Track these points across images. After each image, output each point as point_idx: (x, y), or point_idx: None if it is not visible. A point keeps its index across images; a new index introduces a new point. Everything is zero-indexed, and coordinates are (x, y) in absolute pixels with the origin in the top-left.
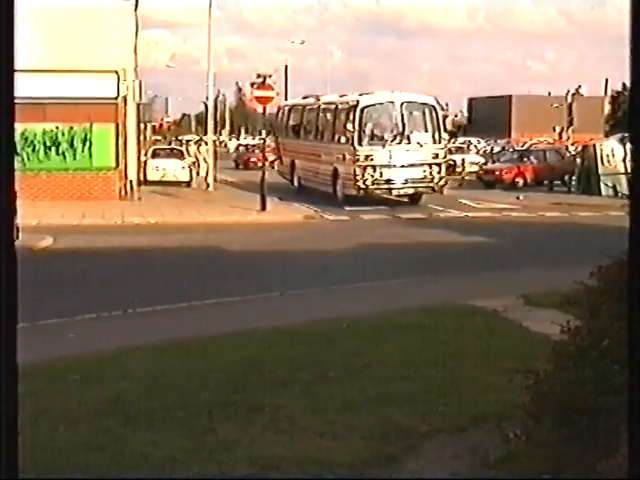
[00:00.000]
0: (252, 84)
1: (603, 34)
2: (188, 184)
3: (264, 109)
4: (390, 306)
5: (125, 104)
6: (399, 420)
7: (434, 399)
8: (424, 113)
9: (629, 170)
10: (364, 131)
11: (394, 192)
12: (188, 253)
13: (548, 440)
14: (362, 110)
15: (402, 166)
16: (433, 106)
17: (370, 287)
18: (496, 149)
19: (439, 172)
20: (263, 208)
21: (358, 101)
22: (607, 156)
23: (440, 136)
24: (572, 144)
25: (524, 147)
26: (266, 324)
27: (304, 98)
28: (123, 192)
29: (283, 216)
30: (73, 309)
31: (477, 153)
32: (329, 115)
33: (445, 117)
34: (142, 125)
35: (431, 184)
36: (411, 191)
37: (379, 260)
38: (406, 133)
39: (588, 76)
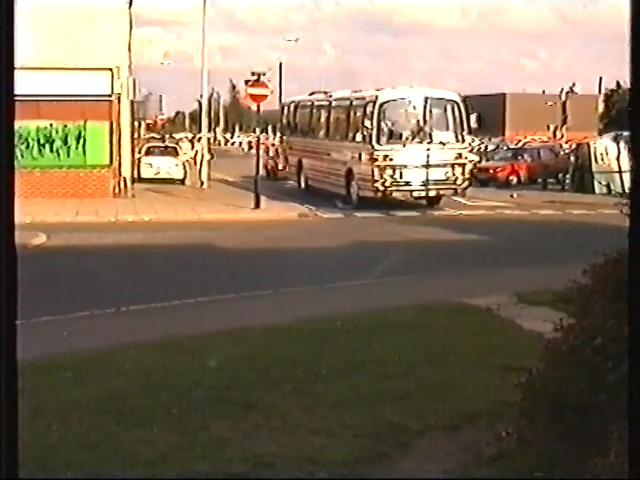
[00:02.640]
0: (246, 82)
1: (596, 32)
2: (182, 181)
3: (258, 107)
4: (384, 304)
5: (119, 101)
6: (392, 418)
7: (427, 397)
8: (447, 110)
9: (622, 168)
10: (383, 129)
11: (414, 194)
12: (182, 251)
13: (541, 438)
14: (381, 106)
15: (423, 166)
16: (457, 102)
17: (363, 285)
18: (490, 147)
19: (462, 173)
20: (257, 206)
21: (377, 96)
22: (601, 154)
23: (464, 135)
24: (566, 142)
25: (518, 145)
26: (259, 322)
27: (311, 94)
28: (117, 189)
29: (277, 214)
30: (66, 306)
31: (471, 151)
32: (342, 111)
33: (469, 114)
34: (136, 123)
35: (453, 186)
36: (432, 193)
37: (372, 258)
38: (428, 131)
39: (582, 74)
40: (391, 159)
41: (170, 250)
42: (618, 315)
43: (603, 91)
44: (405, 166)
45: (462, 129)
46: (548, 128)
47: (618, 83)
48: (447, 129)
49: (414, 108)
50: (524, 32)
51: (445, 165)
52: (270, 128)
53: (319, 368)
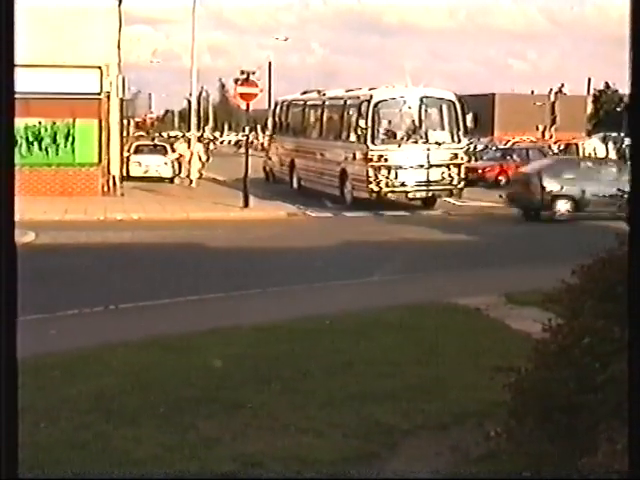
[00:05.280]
0: (236, 80)
1: (584, 33)
2: (171, 180)
3: (248, 105)
4: (372, 304)
5: (108, 100)
6: (381, 418)
7: (416, 397)
8: (442, 109)
9: None
10: (377, 129)
11: (410, 195)
12: (171, 249)
13: (529, 438)
14: (375, 105)
15: (419, 167)
16: (452, 102)
17: (352, 285)
18: (479, 147)
19: (458, 174)
20: (246, 205)
21: (371, 95)
22: (589, 155)
23: (459, 135)
24: (555, 143)
25: (507, 145)
26: (248, 321)
27: (303, 93)
28: (106, 188)
29: (266, 213)
30: (55, 305)
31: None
32: (336, 111)
33: (465, 114)
34: (125, 121)
35: (449, 186)
36: (429, 194)
37: (362, 257)
38: (423, 131)
39: (570, 75)
40: (386, 159)
41: (159, 248)
42: (607, 315)
43: (592, 92)
44: (400, 166)
45: (458, 129)
46: (537, 128)
47: (607, 84)
48: (443, 129)
49: (409, 108)
50: (512, 33)
51: (441, 165)
52: (260, 127)
53: (308, 367)
